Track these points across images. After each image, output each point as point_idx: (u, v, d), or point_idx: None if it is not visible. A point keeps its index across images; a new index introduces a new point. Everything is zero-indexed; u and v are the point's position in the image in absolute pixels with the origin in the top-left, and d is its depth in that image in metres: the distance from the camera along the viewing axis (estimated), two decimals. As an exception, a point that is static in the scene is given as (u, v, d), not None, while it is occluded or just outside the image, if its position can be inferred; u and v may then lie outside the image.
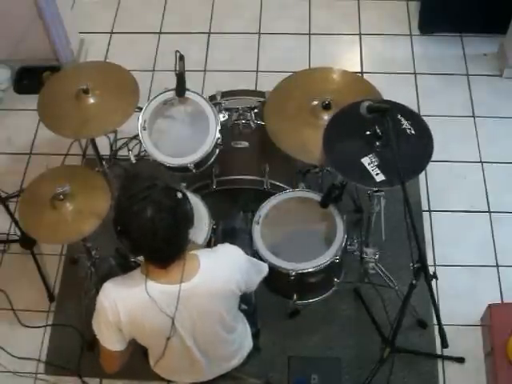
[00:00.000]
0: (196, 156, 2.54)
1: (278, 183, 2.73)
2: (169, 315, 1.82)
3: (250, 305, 2.31)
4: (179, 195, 1.78)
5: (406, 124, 2.24)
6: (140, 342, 1.95)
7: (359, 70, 3.66)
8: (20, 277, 3.04)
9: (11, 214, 2.83)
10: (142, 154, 3.01)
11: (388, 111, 2.05)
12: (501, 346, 2.57)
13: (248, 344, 2.20)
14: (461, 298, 2.89)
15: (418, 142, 2.23)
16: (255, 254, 2.41)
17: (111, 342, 1.88)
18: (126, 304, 1.82)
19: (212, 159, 2.62)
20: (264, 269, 2.11)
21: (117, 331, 1.85)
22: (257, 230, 2.49)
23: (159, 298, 1.80)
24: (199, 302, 1.84)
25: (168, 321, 1.83)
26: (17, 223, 2.80)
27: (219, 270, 1.88)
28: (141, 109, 2.63)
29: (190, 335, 1.90)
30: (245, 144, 2.76)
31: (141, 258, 1.87)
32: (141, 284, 1.81)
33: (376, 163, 2.20)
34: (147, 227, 1.72)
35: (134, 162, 2.74)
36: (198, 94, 2.66)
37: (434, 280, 2.02)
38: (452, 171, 3.27)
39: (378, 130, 2.18)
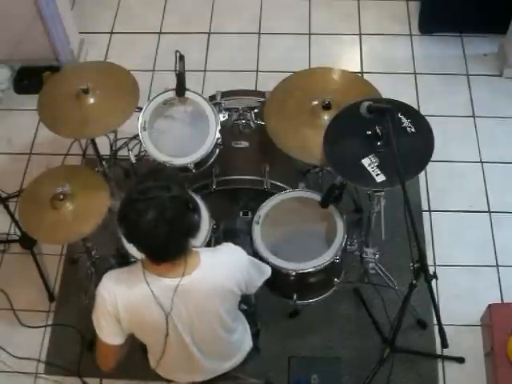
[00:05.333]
0: (196, 156, 2.54)
1: (278, 183, 2.72)
2: (166, 309, 1.82)
3: (250, 305, 2.31)
4: (190, 206, 1.75)
5: (406, 122, 2.24)
6: (139, 338, 1.95)
7: (359, 70, 3.66)
8: (20, 277, 3.04)
9: (11, 214, 2.83)
10: (142, 153, 3.01)
11: (388, 111, 2.05)
12: (501, 345, 2.57)
13: (248, 344, 2.20)
14: (461, 298, 2.89)
15: (418, 140, 2.23)
16: (255, 254, 2.41)
17: (109, 335, 1.88)
18: (125, 296, 1.82)
19: (212, 159, 2.62)
20: (266, 271, 2.10)
21: (115, 323, 1.85)
22: (257, 230, 2.49)
23: (157, 291, 1.80)
24: (197, 297, 1.84)
25: (165, 315, 1.83)
26: (17, 223, 2.80)
27: (219, 268, 1.88)
28: (141, 109, 2.63)
29: (187, 332, 1.90)
30: (245, 144, 2.76)
31: (137, 254, 1.87)
32: (140, 276, 1.81)
33: (376, 164, 2.20)
34: (142, 228, 1.71)
35: (133, 161, 2.74)
36: (198, 94, 2.66)
37: (434, 280, 2.02)
38: (452, 171, 3.27)
39: (378, 130, 2.18)
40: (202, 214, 2.43)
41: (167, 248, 1.76)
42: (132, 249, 2.31)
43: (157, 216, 1.69)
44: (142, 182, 1.77)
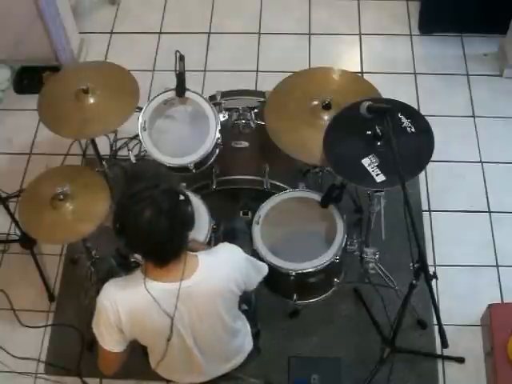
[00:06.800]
0: (196, 156, 2.54)
1: (278, 183, 2.73)
2: (168, 314, 1.82)
3: (250, 305, 2.31)
4: (181, 197, 1.78)
5: (406, 122, 2.24)
6: (141, 343, 1.95)
7: (359, 70, 3.66)
8: (20, 277, 3.04)
9: (11, 214, 2.83)
10: (142, 153, 3.02)
11: (388, 111, 2.05)
12: (501, 345, 2.57)
13: (248, 344, 2.20)
14: (461, 298, 2.89)
15: (418, 140, 2.23)
16: (255, 254, 2.41)
17: (111, 343, 1.88)
18: (127, 303, 1.82)
19: (212, 159, 2.63)
20: (263, 269, 2.11)
21: (117, 332, 1.85)
22: (257, 230, 2.49)
23: (159, 297, 1.80)
24: (198, 300, 1.84)
25: (168, 320, 1.83)
26: (17, 223, 2.80)
27: (218, 269, 1.89)
28: (141, 109, 2.63)
29: (190, 335, 1.90)
30: (245, 144, 2.76)
31: (140, 258, 1.88)
32: (140, 283, 1.81)
33: (376, 164, 2.19)
34: (144, 229, 1.72)
35: (134, 161, 2.74)
36: (198, 93, 2.66)
37: (434, 280, 2.02)
38: (452, 171, 3.27)
39: (378, 130, 2.18)
40: (201, 214, 2.48)
41: (172, 242, 1.77)
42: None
43: (154, 212, 1.71)
44: (129, 187, 1.78)
